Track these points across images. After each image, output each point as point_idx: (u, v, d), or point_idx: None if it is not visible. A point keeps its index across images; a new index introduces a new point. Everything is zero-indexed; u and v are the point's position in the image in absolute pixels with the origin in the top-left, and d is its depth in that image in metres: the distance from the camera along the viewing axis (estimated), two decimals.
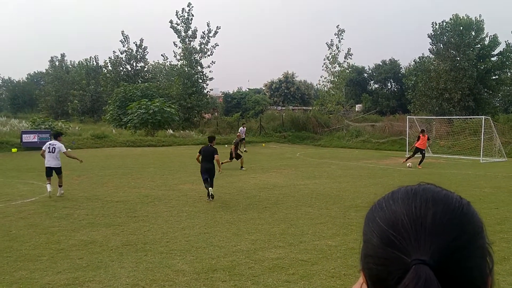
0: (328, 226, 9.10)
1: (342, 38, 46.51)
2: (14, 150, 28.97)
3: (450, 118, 32.18)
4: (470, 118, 30.26)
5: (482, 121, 25.61)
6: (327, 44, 46.78)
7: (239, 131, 31.64)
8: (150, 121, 37.82)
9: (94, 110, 61.71)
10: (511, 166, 21.59)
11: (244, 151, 29.17)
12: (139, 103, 39.09)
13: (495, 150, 25.92)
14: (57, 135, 13.37)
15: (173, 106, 41.03)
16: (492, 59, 39.88)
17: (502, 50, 40.29)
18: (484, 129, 25.15)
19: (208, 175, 11.93)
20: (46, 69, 72.44)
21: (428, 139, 22.44)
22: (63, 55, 70.00)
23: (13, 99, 75.75)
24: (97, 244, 7.71)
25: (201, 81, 48.37)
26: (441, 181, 15.73)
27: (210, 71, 50.18)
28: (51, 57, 69.74)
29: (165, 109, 38.58)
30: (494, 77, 40.36)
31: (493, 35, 39.61)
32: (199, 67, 47.76)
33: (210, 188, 11.73)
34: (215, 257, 7.05)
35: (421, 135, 22.12)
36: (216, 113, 59.88)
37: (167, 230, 8.77)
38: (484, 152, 24.92)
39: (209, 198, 11.79)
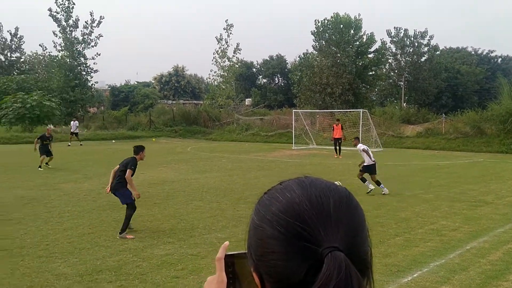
0: (218, 219, 9.16)
1: (231, 33, 47.02)
2: None
3: (332, 111, 34.12)
4: (350, 111, 32.33)
5: (360, 114, 27.52)
6: (216, 38, 47.01)
7: (70, 124, 31.37)
8: (28, 116, 35.03)
9: None
10: (386, 156, 23.45)
11: (68, 145, 28.79)
12: (15, 96, 35.98)
13: (372, 141, 27.99)
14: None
15: (53, 99, 38.35)
16: (369, 56, 42.95)
17: (378, 47, 43.58)
18: (362, 121, 27.08)
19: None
20: None
21: (342, 128, 23.27)
22: None
23: None
24: None
25: (84, 73, 45.89)
26: (325, 171, 16.65)
27: (94, 63, 47.80)
28: None
29: (44, 103, 35.96)
30: (371, 73, 43.52)
31: (370, 34, 42.64)
32: (82, 59, 45.22)
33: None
34: (100, 258, 6.73)
35: (334, 125, 23.10)
36: (102, 107, 57.33)
37: (47, 232, 8.19)
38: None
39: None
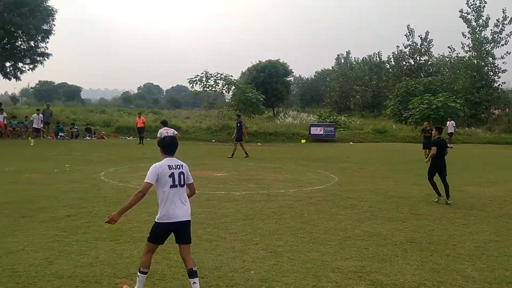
0: None
1: None
2: (303, 141, 32.16)
3: None
4: None
5: None
6: None
7: None
8: (432, 116, 36.35)
9: (375, 105, 63.02)
10: None
11: None
12: (422, 98, 38.04)
13: None
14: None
15: (458, 101, 38.47)
16: None
17: None
18: None
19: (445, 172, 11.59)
20: (332, 67, 77.72)
21: None
22: (348, 53, 73.65)
23: (302, 95, 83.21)
24: (381, 237, 7.87)
25: (491, 73, 44.01)
26: None
27: (503, 63, 44.83)
28: (337, 55, 74.27)
29: (449, 104, 36.52)
30: None
31: None
32: (490, 58, 43.50)
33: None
34: (509, 269, 6.33)
35: None
36: (507, 109, 53.54)
37: (453, 232, 8.32)
38: None
39: (439, 198, 11.33)
